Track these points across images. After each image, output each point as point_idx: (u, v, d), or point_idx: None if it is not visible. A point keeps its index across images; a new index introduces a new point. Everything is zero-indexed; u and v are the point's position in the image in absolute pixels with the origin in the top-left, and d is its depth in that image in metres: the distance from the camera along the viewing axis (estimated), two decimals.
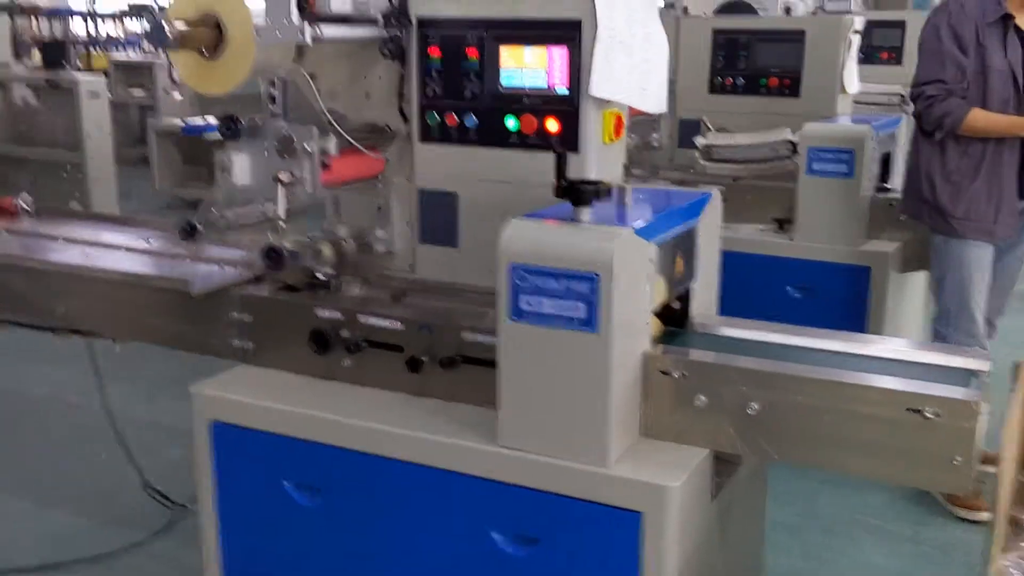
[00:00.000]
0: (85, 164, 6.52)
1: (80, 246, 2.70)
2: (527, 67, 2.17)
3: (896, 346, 1.99)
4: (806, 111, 4.21)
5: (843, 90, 4.28)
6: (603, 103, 2.16)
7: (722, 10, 6.44)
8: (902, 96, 6.13)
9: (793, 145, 4.04)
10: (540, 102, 2.17)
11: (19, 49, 12.86)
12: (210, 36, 2.22)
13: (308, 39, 2.06)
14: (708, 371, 1.85)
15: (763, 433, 1.81)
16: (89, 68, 13.27)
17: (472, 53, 2.22)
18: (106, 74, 10.47)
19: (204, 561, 2.26)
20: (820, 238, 3.76)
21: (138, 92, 11.61)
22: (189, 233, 2.25)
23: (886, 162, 4.00)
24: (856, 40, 4.32)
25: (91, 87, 6.50)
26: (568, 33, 2.11)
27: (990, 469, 1.63)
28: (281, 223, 2.30)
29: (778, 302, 3.82)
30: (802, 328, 2.09)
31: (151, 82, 11.26)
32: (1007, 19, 3.23)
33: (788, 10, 6.89)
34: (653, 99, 2.25)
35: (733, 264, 3.91)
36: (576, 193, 1.81)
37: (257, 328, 2.29)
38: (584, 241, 1.75)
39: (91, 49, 15.87)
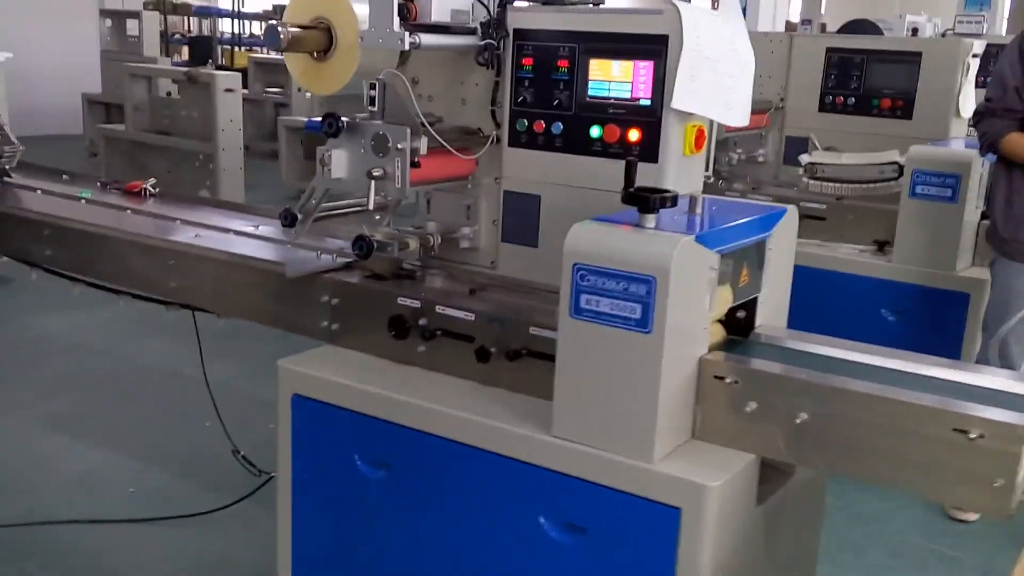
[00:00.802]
0: (217, 155, 6.93)
1: (195, 228, 2.92)
2: (614, 79, 2.25)
3: (958, 369, 1.98)
4: (918, 134, 4.15)
5: (958, 114, 4.19)
6: (685, 116, 2.22)
7: (845, 28, 6.37)
8: None
9: (901, 167, 3.99)
10: (623, 112, 2.25)
11: (168, 45, 13.64)
12: (320, 39, 2.40)
13: (407, 45, 2.20)
14: (759, 378, 1.89)
15: (809, 442, 1.85)
16: (231, 65, 14.00)
17: (562, 64, 2.31)
18: (245, 72, 11.05)
19: (279, 523, 2.42)
20: (918, 262, 3.71)
21: (274, 90, 12.15)
22: (289, 220, 2.42)
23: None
24: (974, 64, 4.22)
25: (227, 83, 6.91)
26: (655, 47, 2.18)
27: None
28: (376, 216, 2.47)
29: (872, 323, 3.79)
30: (866, 345, 2.10)
31: (287, 80, 11.78)
32: None
33: (915, 31, 6.76)
34: (736, 113, 2.30)
35: (830, 283, 3.93)
36: (641, 200, 1.89)
37: (343, 311, 2.45)
38: (644, 245, 1.83)
39: (235, 47, 16.70)
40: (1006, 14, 10.14)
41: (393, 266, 2.52)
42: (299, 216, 2.44)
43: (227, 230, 2.91)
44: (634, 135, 2.24)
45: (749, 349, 2.09)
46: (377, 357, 2.38)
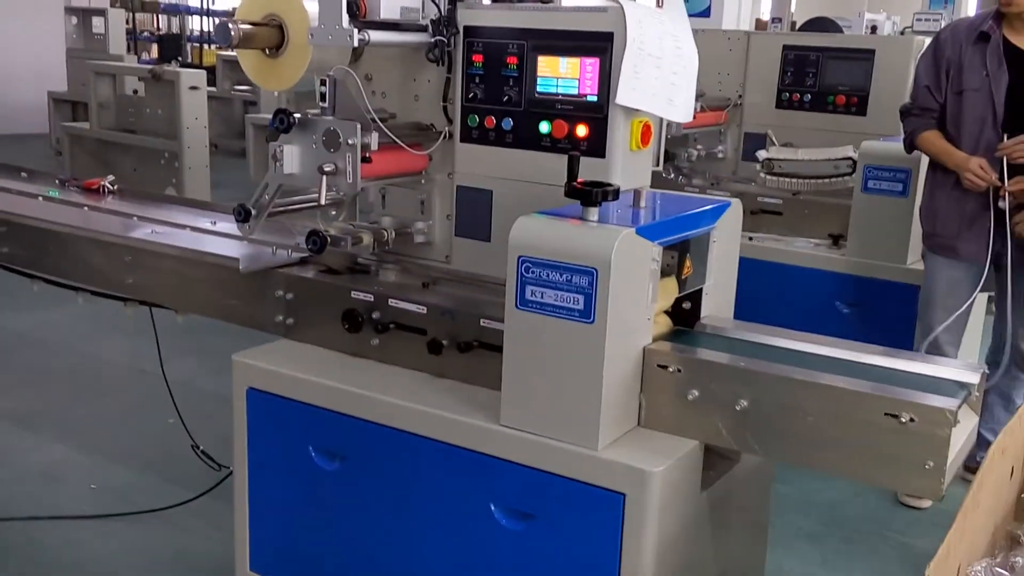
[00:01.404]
0: (182, 153, 6.90)
1: (152, 224, 2.93)
2: (561, 76, 2.29)
3: (895, 357, 2.04)
4: (871, 130, 4.21)
5: None
6: (631, 112, 2.27)
7: (807, 26, 6.45)
8: None
9: (854, 162, 4.05)
10: (571, 108, 2.29)
11: (136, 43, 13.54)
12: (272, 36, 2.43)
13: (356, 42, 2.23)
14: (701, 367, 1.94)
15: (750, 429, 1.90)
16: (201, 63, 13.91)
17: (511, 61, 2.35)
18: (214, 69, 10.99)
19: (236, 515, 2.44)
20: (871, 255, 3.78)
21: (243, 88, 12.10)
22: (243, 216, 2.44)
23: None
24: None
25: (191, 80, 6.88)
26: (600, 44, 2.22)
27: (970, 477, 1.69)
28: (332, 211, 2.49)
29: (827, 316, 3.85)
30: (807, 335, 2.16)
31: None
32: (987, 38, 3.29)
33: (874, 29, 6.86)
34: (680, 110, 2.34)
35: (785, 276, 3.99)
36: (584, 194, 1.93)
37: (297, 306, 2.48)
38: (586, 238, 1.87)
39: (204, 45, 16.60)
40: (971, 12, 10.30)
41: (347, 261, 2.55)
42: (252, 212, 2.46)
43: (183, 226, 2.92)
44: (581, 131, 2.28)
45: (693, 339, 2.14)
46: (331, 351, 2.41)
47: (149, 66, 7.21)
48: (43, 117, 11.37)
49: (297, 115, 2.29)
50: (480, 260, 2.49)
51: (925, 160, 3.64)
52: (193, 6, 17.47)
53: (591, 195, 1.93)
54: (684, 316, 2.23)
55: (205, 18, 17.37)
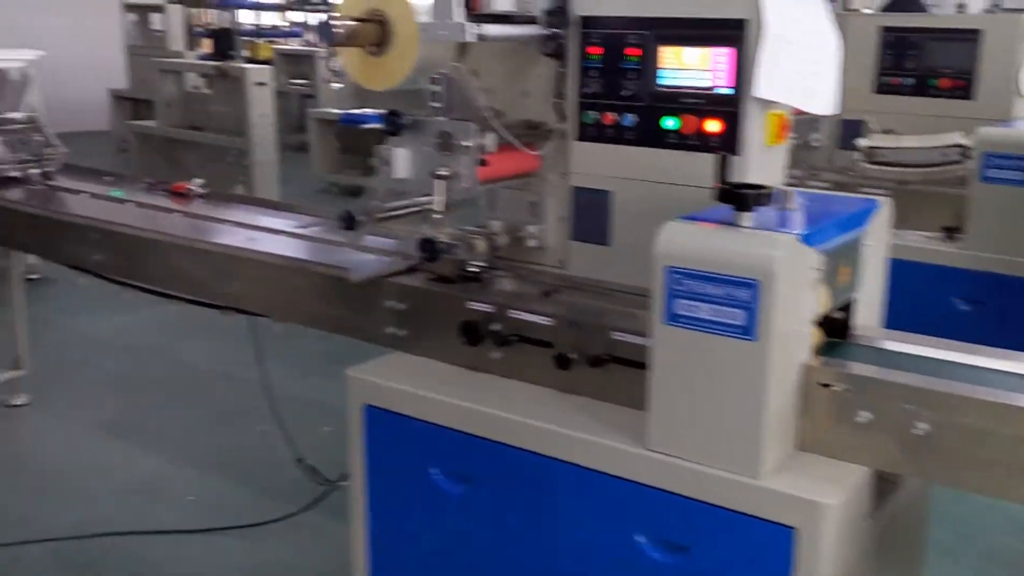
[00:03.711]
0: (250, 149, 6.85)
1: (247, 230, 2.83)
2: (689, 67, 2.13)
3: None
4: (979, 114, 3.99)
5: (1020, 93, 4.02)
6: (767, 104, 2.10)
7: (890, 7, 6.17)
8: None
9: (964, 149, 3.83)
10: (701, 102, 2.13)
11: (191, 38, 13.55)
12: (376, 33, 2.29)
13: (472, 37, 2.09)
14: (873, 386, 1.77)
15: (930, 454, 1.72)
16: (254, 58, 13.92)
17: (632, 52, 2.19)
18: (269, 64, 10.96)
19: (352, 537, 2.33)
20: (994, 248, 3.55)
21: (299, 81, 12.07)
22: (348, 223, 2.32)
23: None
24: None
25: (257, 76, 6.81)
26: (733, 32, 2.06)
27: None
28: (436, 216, 2.36)
29: (943, 314, 3.63)
30: (971, 345, 1.98)
31: (312, 72, 11.69)
32: None
33: (961, 7, 6.54)
34: (821, 101, 2.17)
35: (895, 272, 3.76)
36: (738, 197, 1.77)
37: (410, 317, 2.35)
38: (745, 246, 1.71)
39: (256, 39, 16.62)
40: None
41: (458, 268, 2.42)
42: (359, 218, 2.34)
43: (279, 232, 2.82)
44: (713, 126, 2.12)
45: (851, 353, 1.97)
46: (448, 364, 2.28)
47: (214, 62, 7.15)
48: (103, 114, 11.43)
49: (408, 116, 2.16)
50: (598, 265, 2.34)
51: None
52: (245, 0, 17.49)
53: (746, 198, 1.77)
54: (834, 326, 2.05)
55: (256, 12, 17.39)
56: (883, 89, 4.32)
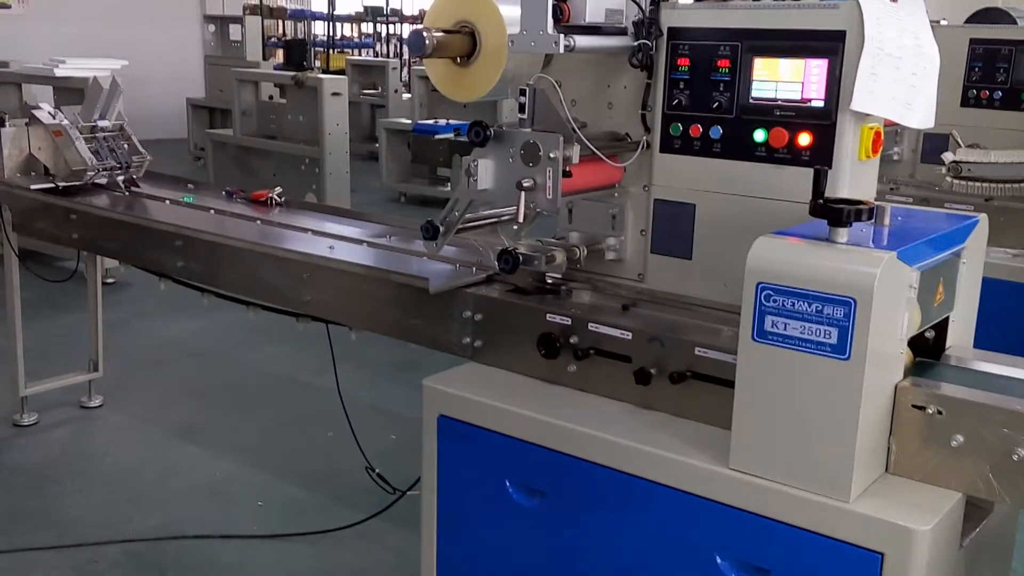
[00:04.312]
0: (323, 158, 6.94)
1: (327, 239, 2.85)
2: (781, 79, 2.09)
3: None
4: None
5: None
6: (862, 118, 2.05)
7: (974, 18, 6.00)
8: None
9: None
10: (793, 115, 2.08)
11: (264, 49, 13.83)
12: (465, 44, 2.29)
13: (562, 48, 2.07)
14: (968, 409, 1.71)
15: None
16: (327, 68, 14.15)
17: (723, 64, 2.16)
18: (342, 74, 11.12)
19: (422, 547, 2.32)
20: None
21: (370, 92, 12.23)
22: (430, 233, 2.32)
23: None
24: None
25: (333, 87, 6.91)
26: (830, 44, 2.01)
27: None
28: (516, 227, 2.35)
29: None
30: None
31: (383, 82, 11.84)
32: None
33: None
34: (919, 115, 2.12)
35: (983, 290, 3.65)
36: (834, 212, 1.72)
37: (487, 328, 2.34)
38: (842, 263, 1.66)
39: (329, 50, 16.90)
40: None
41: (535, 279, 2.40)
42: (441, 228, 2.34)
43: (360, 241, 2.83)
44: (804, 139, 2.07)
45: (944, 374, 1.90)
46: (524, 376, 2.27)
47: (291, 72, 7.27)
48: (180, 122, 11.72)
49: (493, 128, 2.15)
50: (680, 279, 2.31)
51: None
52: (318, 11, 17.79)
53: (842, 214, 1.72)
54: (927, 346, 1.99)
55: (329, 23, 17.68)
56: (970, 102, 4.19)
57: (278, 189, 3.34)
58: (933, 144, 4.26)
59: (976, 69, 4.17)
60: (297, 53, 9.04)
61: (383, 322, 2.59)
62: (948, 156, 4.01)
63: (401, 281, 2.46)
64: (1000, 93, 4.12)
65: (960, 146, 4.15)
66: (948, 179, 3.98)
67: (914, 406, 1.76)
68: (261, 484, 3.62)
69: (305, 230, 2.96)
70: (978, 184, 3.90)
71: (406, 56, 15.43)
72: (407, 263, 2.60)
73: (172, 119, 12.29)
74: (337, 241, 2.81)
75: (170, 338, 5.29)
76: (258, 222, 3.09)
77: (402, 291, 2.47)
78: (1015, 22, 5.70)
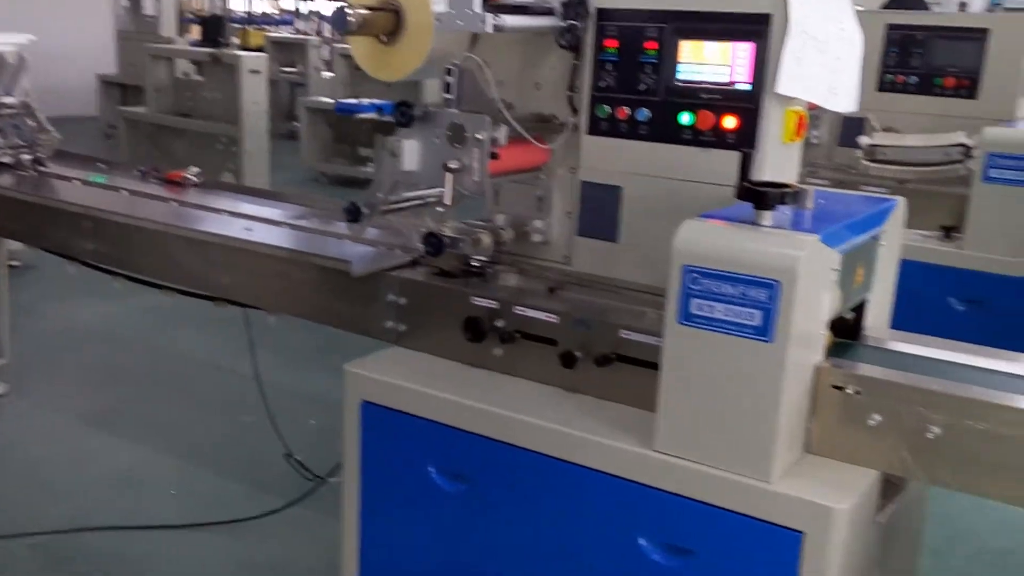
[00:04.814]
0: (241, 137, 6.77)
1: (244, 220, 2.77)
2: (707, 62, 2.09)
3: None
4: (983, 114, 3.96)
5: None
6: (786, 101, 2.07)
7: (891, 4, 6.14)
8: None
9: (967, 149, 3.81)
10: (719, 98, 2.09)
11: (180, 24, 13.43)
12: (389, 22, 2.23)
13: (490, 28, 2.04)
14: (885, 389, 1.74)
15: (942, 459, 1.70)
16: (245, 45, 13.80)
17: (650, 46, 2.15)
18: (261, 51, 10.86)
19: (344, 535, 2.28)
20: (992, 249, 3.54)
21: (290, 70, 11.98)
22: (353, 215, 2.27)
23: None
24: None
25: (252, 64, 6.74)
26: (756, 27, 2.02)
27: None
28: (441, 209, 2.31)
29: (940, 313, 3.62)
30: (982, 348, 1.96)
31: (303, 60, 11.60)
32: None
33: (963, 5, 6.52)
34: (843, 99, 2.14)
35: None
36: (759, 196, 1.73)
37: (411, 311, 2.30)
38: (767, 246, 1.67)
39: (247, 26, 16.49)
40: None
41: (461, 262, 2.37)
42: (364, 210, 2.29)
43: (278, 223, 2.76)
44: (730, 122, 2.08)
45: (863, 355, 1.93)
46: (449, 360, 2.24)
47: (208, 49, 7.07)
48: (91, 99, 11.31)
49: (419, 107, 2.11)
50: (605, 262, 2.30)
51: None
52: None
53: (767, 197, 1.73)
54: (845, 327, 2.02)
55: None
56: (886, 87, 4.28)
57: (194, 169, 3.23)
58: (850, 128, 4.35)
59: (892, 54, 4.26)
60: (214, 29, 8.77)
61: (303, 306, 2.53)
62: (865, 140, 4.10)
63: (322, 264, 2.40)
64: (915, 78, 4.22)
65: (876, 130, 4.25)
66: (864, 163, 4.07)
67: (833, 386, 1.78)
68: (177, 473, 3.52)
69: (222, 211, 2.87)
70: (893, 167, 4.00)
71: (327, 34, 15.15)
72: (328, 245, 2.54)
73: (82, 96, 11.85)
74: (255, 223, 2.74)
75: (80, 322, 5.11)
76: (173, 203, 2.98)
77: (323, 274, 2.42)
78: (927, 8, 5.87)
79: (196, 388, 4.34)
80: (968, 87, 4.07)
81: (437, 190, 2.16)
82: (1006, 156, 3.49)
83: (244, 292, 2.65)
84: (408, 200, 2.40)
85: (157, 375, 4.49)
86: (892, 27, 4.25)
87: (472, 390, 2.10)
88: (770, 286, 1.64)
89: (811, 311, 1.73)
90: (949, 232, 3.80)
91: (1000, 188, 3.51)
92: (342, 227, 2.57)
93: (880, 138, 4.08)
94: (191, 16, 16.60)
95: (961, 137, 3.87)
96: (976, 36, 4.03)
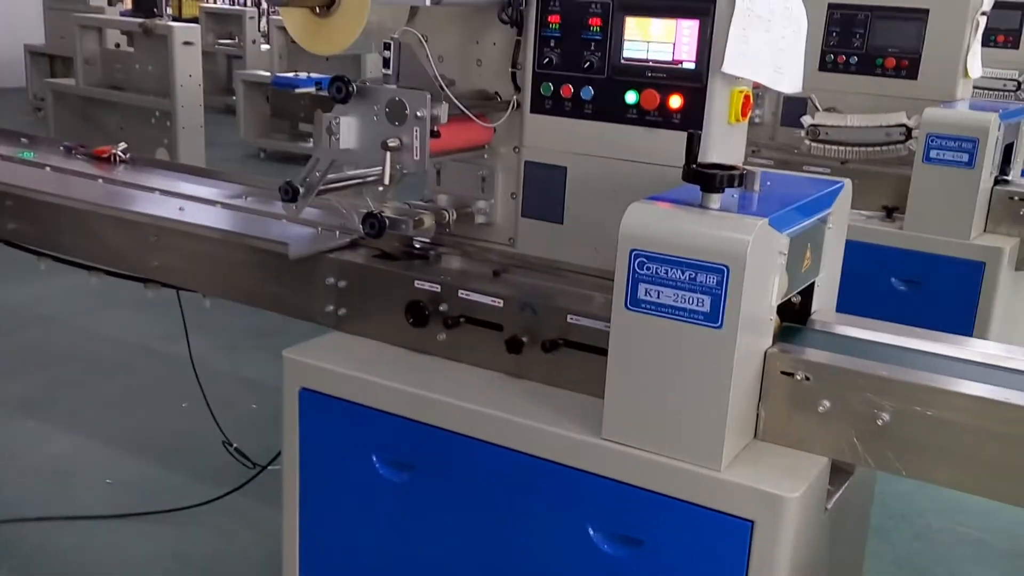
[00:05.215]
0: (175, 112, 6.56)
1: (177, 199, 2.66)
2: (652, 40, 2.04)
3: None
4: (923, 94, 3.97)
5: (965, 74, 4.02)
6: (731, 80, 2.03)
7: None
8: (1018, 82, 5.84)
9: (908, 130, 3.84)
10: (664, 76, 2.04)
11: None
12: None
13: (428, 1, 1.96)
14: (835, 375, 1.72)
15: (891, 446, 1.69)
16: (180, 15, 13.42)
17: (594, 23, 2.10)
18: (195, 22, 10.56)
19: (285, 525, 2.21)
20: (932, 229, 3.57)
21: (226, 42, 11.68)
22: (290, 195, 2.18)
23: (1008, 152, 3.77)
24: (983, 22, 4.06)
25: (185, 35, 6.52)
26: (701, 5, 1.98)
27: None
28: (381, 189, 2.24)
29: (881, 293, 3.65)
30: (931, 332, 1.95)
31: (240, 32, 11.32)
32: None
33: None
34: (788, 79, 2.11)
35: None
36: (707, 178, 1.69)
37: (352, 295, 2.23)
38: (715, 230, 1.63)
39: None
40: None
41: (402, 244, 2.31)
42: (300, 190, 2.20)
43: (213, 202, 2.66)
44: (675, 102, 2.04)
45: (811, 339, 1.92)
46: (391, 346, 2.18)
47: (139, 19, 6.82)
48: (18, 71, 10.91)
49: (356, 83, 2.03)
50: (551, 244, 2.25)
51: (993, 129, 3.42)
52: None
53: (715, 179, 1.69)
54: (792, 311, 2.00)
55: None
56: (828, 67, 4.28)
57: (122, 145, 3.10)
58: (792, 108, 4.35)
59: (834, 34, 4.25)
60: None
61: (239, 289, 2.44)
62: (807, 120, 4.10)
63: (258, 246, 2.31)
64: (856, 58, 4.22)
65: (818, 110, 4.25)
66: (807, 142, 4.07)
67: (783, 372, 1.76)
68: (110, 461, 3.40)
69: (153, 190, 2.75)
70: (835, 148, 4.01)
71: (264, 5, 14.80)
72: (265, 226, 2.45)
73: (8, 67, 11.42)
74: (188, 202, 2.63)
75: (5, 305, 4.91)
76: (100, 180, 2.86)
77: (259, 256, 2.33)
78: None
79: (131, 373, 4.19)
80: (908, 68, 4.08)
81: (377, 169, 2.09)
82: (946, 137, 3.52)
83: (176, 275, 2.54)
84: (347, 179, 2.33)
85: (89, 359, 4.34)
86: (832, 6, 4.24)
87: (415, 376, 2.04)
88: (719, 271, 1.61)
89: (760, 296, 1.70)
90: (891, 212, 3.83)
91: (940, 169, 3.54)
92: (279, 207, 2.48)
93: (822, 118, 4.08)
94: None
95: (902, 118, 3.89)
96: (916, 16, 4.04)
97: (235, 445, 3.17)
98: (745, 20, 1.95)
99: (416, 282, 2.13)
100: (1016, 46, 5.98)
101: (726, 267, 1.60)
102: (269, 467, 2.94)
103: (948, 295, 3.55)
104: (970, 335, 3.61)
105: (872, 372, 1.70)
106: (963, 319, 3.50)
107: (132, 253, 2.56)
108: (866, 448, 1.71)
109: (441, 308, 2.10)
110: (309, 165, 2.18)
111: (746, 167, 1.86)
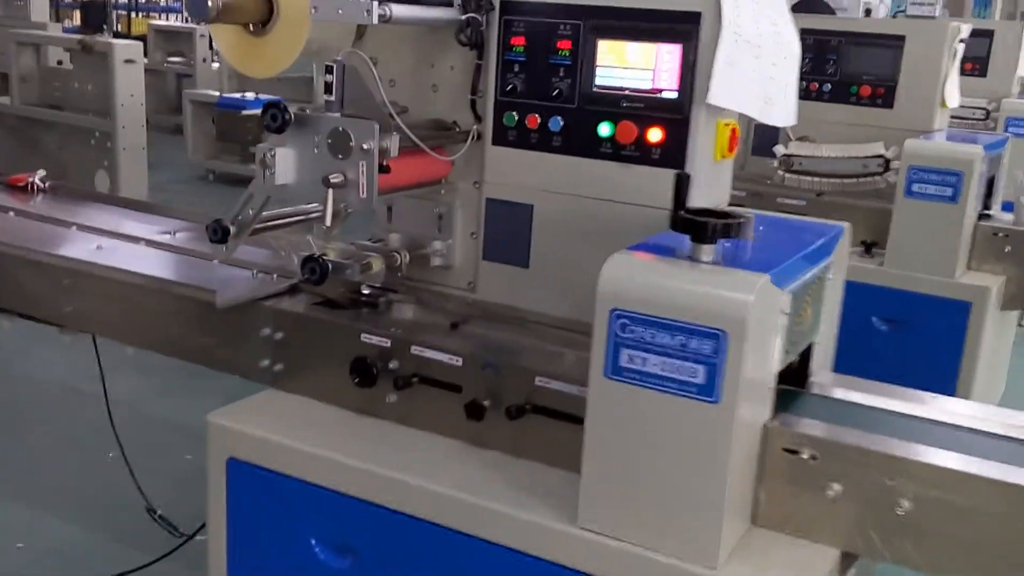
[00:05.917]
0: (116, 132, 6.23)
1: (96, 236, 2.38)
2: (629, 65, 1.82)
3: None
4: (899, 124, 3.81)
5: (943, 104, 3.87)
6: (718, 112, 1.81)
7: (796, 8, 6.03)
8: (987, 111, 5.74)
9: (887, 161, 3.67)
10: (642, 107, 1.82)
11: (58, 10, 12.63)
12: (258, 8, 1.89)
13: (375, 19, 1.72)
14: (846, 454, 1.49)
15: (912, 538, 1.46)
16: (129, 33, 13.06)
17: (563, 46, 1.87)
18: (144, 40, 10.22)
19: None
20: (916, 267, 3.39)
21: (176, 60, 11.35)
22: (219, 235, 1.92)
23: (990, 186, 3.61)
24: (961, 49, 3.92)
25: (126, 53, 6.21)
26: (684, 27, 1.76)
27: None
28: (324, 229, 1.98)
29: (861, 333, 3.44)
30: (958, 401, 1.76)
31: (190, 50, 11.00)
32: None
33: (868, 12, 6.49)
34: (779, 111, 1.90)
35: None
36: (698, 227, 1.46)
37: (290, 348, 1.98)
38: (711, 288, 1.40)
39: (132, 13, 15.68)
40: None
41: (349, 290, 2.05)
42: (231, 229, 1.94)
43: (136, 239, 2.38)
44: (655, 135, 1.82)
45: (812, 408, 1.68)
46: (335, 407, 1.91)
47: (78, 36, 6.50)
48: None
49: (293, 111, 1.78)
50: (515, 290, 2.02)
51: (979, 162, 3.26)
52: None
53: (707, 229, 1.46)
54: (789, 372, 1.77)
55: None
56: (800, 95, 4.08)
57: (41, 172, 2.81)
58: (764, 136, 4.17)
59: (807, 61, 4.08)
60: (95, 16, 8.15)
61: (163, 340, 2.17)
62: (780, 149, 3.91)
63: (182, 293, 2.04)
64: (829, 86, 4.05)
65: (791, 139, 4.07)
66: (780, 173, 3.89)
67: (785, 449, 1.53)
68: (23, 522, 3.07)
69: (70, 224, 2.47)
70: (810, 179, 3.83)
71: None
72: (193, 269, 2.18)
73: None
74: (108, 239, 2.35)
75: None
76: (11, 213, 2.56)
77: (184, 304, 2.06)
78: (833, 12, 5.77)
79: (51, 418, 3.84)
80: (884, 96, 3.92)
81: (318, 205, 1.83)
82: (929, 170, 3.34)
83: (92, 322, 2.27)
84: (287, 216, 2.07)
85: (6, 405, 3.97)
86: (806, 32, 4.02)
87: (360, 446, 1.79)
88: (715, 336, 1.37)
89: (761, 364, 1.47)
90: (869, 248, 3.65)
91: (923, 204, 3.36)
92: (213, 247, 2.22)
93: (795, 147, 3.90)
94: (71, 1, 15.70)
95: (880, 148, 3.72)
96: (891, 44, 3.88)
97: (159, 512, 2.86)
98: (732, 46, 1.73)
99: (363, 335, 1.88)
100: (984, 74, 5.89)
101: (724, 332, 1.36)
102: (199, 537, 2.65)
103: (933, 336, 3.37)
104: (956, 377, 3.44)
105: (891, 452, 1.47)
106: (948, 361, 3.32)
107: (44, 297, 2.28)
108: (882, 540, 1.48)
109: (391, 366, 1.85)
110: (241, 201, 1.91)
111: (741, 212, 1.63)
